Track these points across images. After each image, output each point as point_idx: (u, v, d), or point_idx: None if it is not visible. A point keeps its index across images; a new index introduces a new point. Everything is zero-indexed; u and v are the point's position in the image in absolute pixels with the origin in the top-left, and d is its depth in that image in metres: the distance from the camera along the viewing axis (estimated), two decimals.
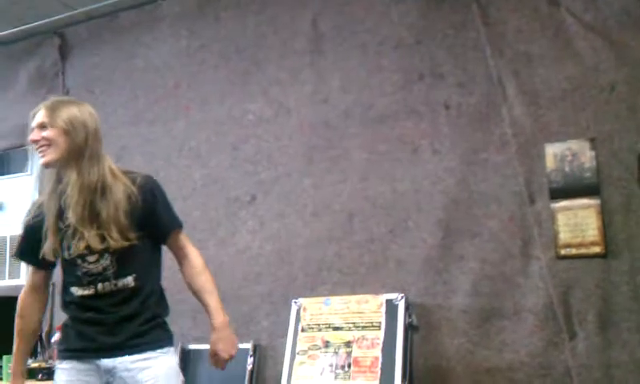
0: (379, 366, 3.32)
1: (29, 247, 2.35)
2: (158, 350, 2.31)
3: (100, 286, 2.26)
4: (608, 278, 3.11)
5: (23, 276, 4.76)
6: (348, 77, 3.95)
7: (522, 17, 3.52)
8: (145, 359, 2.25)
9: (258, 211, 4.07)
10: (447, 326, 3.44)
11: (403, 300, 3.42)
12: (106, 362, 2.24)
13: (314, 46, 4.08)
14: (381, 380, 3.28)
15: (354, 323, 3.50)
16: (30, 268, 2.43)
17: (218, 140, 4.27)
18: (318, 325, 3.61)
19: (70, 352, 2.30)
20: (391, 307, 3.43)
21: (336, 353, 3.47)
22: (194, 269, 2.44)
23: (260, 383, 3.86)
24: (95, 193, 2.21)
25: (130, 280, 2.28)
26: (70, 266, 2.29)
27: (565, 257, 3.25)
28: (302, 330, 3.65)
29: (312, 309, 3.67)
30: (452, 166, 3.58)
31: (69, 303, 2.33)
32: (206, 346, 3.86)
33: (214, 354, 2.40)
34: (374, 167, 3.79)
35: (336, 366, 3.43)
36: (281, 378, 3.56)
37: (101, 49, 4.80)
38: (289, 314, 3.69)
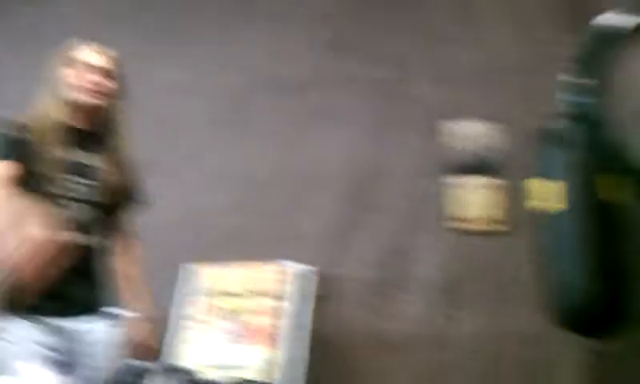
0: (276, 333, 3.26)
1: None
2: None
3: None
4: (504, 254, 3.23)
5: None
6: (259, 43, 3.86)
7: None
8: None
9: (155, 174, 3.88)
10: (344, 296, 3.45)
11: (306, 270, 3.40)
12: None
13: (222, 11, 3.97)
14: (278, 347, 3.23)
15: (250, 291, 3.43)
16: None
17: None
18: (215, 291, 3.50)
19: None
20: (294, 276, 3.39)
21: (230, 320, 3.38)
22: None
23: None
24: None
25: None
26: None
27: (464, 232, 3.35)
28: (198, 296, 3.52)
29: (209, 275, 3.55)
30: (360, 139, 3.60)
31: None
32: None
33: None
34: (278, 136, 3.74)
35: (230, 332, 3.34)
36: (172, 344, 3.42)
37: None
38: (183, 279, 3.56)
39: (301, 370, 3.15)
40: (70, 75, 2.17)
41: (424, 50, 3.56)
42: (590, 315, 2.68)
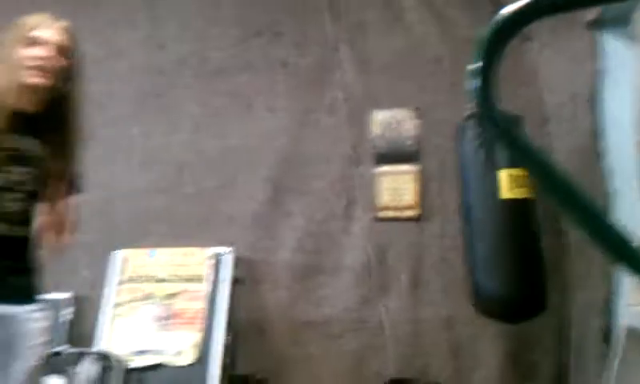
0: (202, 317, 3.32)
1: None
2: None
3: None
4: (421, 240, 3.34)
5: None
6: (185, 25, 3.83)
7: None
8: None
9: (82, 157, 3.84)
10: (271, 281, 3.52)
11: (230, 254, 3.44)
12: None
13: None
14: (203, 331, 3.28)
15: (178, 275, 3.46)
16: None
17: None
18: (141, 276, 3.52)
19: None
20: (218, 261, 3.44)
21: (158, 305, 3.42)
22: None
23: (77, 334, 3.70)
24: None
25: None
26: None
27: (383, 219, 3.45)
28: (124, 282, 3.54)
29: (135, 260, 3.57)
30: (284, 124, 3.63)
31: None
32: None
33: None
34: (206, 120, 3.74)
35: (157, 318, 3.38)
36: (99, 330, 3.44)
37: None
38: (110, 265, 3.56)
39: (222, 354, 3.21)
40: (15, 52, 1.93)
41: (350, 38, 3.59)
42: (504, 304, 2.86)
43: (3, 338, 2.03)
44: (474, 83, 0.96)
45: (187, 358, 3.26)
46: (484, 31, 0.94)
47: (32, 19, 1.98)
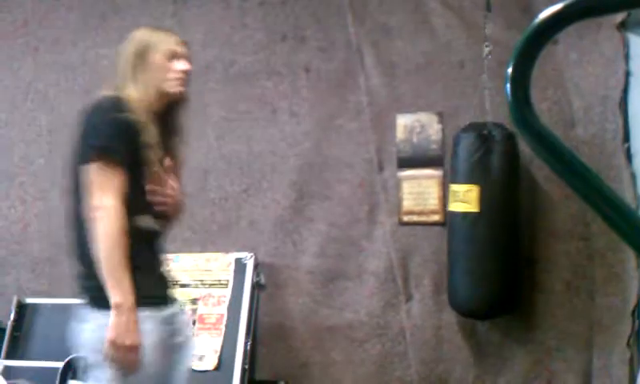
0: (224, 322, 3.32)
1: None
2: None
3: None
4: (444, 244, 3.29)
5: None
6: (210, 31, 3.85)
7: None
8: None
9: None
10: (293, 286, 3.51)
11: (252, 259, 3.44)
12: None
13: None
14: (225, 337, 3.29)
15: (201, 281, 3.48)
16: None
17: (68, 85, 4.03)
18: None
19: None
20: (240, 266, 3.44)
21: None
22: None
23: None
24: None
25: None
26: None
27: (407, 223, 3.41)
28: None
29: None
30: (308, 129, 3.62)
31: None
32: (46, 300, 3.76)
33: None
34: (231, 125, 3.75)
35: None
36: None
37: None
38: None
39: (243, 360, 3.20)
40: (163, 65, 2.12)
41: (374, 42, 3.57)
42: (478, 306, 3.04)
43: (175, 338, 2.11)
44: (510, 87, 0.97)
45: (209, 363, 3.26)
46: (522, 35, 0.97)
47: (168, 34, 2.23)
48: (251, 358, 3.21)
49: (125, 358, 1.87)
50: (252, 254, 3.45)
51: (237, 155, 3.71)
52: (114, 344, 1.86)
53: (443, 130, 3.41)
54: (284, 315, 3.48)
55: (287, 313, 3.47)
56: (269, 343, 3.41)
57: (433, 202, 3.38)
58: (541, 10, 0.96)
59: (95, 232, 1.88)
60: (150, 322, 1.97)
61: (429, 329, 3.33)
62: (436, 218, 3.37)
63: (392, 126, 3.49)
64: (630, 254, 2.91)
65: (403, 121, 3.48)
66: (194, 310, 3.41)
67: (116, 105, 2.00)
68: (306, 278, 3.48)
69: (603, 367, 3.06)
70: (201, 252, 3.56)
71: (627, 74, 2.99)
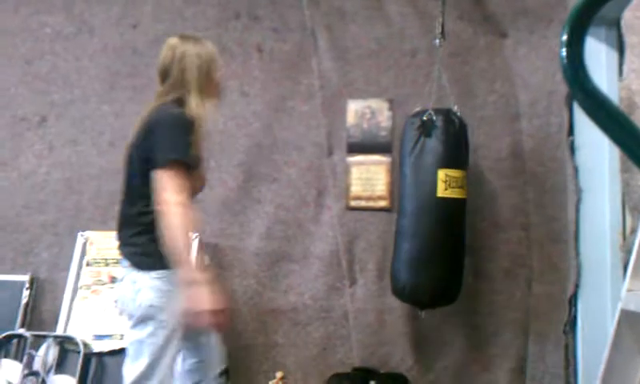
0: None
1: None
2: None
3: None
4: (391, 230, 3.32)
5: None
6: (161, 4, 3.76)
7: None
8: None
9: (48, 135, 3.76)
10: (238, 268, 3.47)
11: (197, 239, 3.37)
12: None
13: None
14: None
15: None
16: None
17: (7, 52, 3.85)
18: (106, 259, 3.45)
19: None
20: None
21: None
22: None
23: (36, 318, 3.60)
24: None
25: None
26: None
27: (354, 208, 3.42)
28: (88, 264, 3.47)
29: (100, 242, 3.49)
30: (258, 110, 3.58)
31: None
32: None
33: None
34: None
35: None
36: (59, 313, 3.36)
37: None
38: (73, 247, 3.48)
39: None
40: (218, 81, 2.39)
41: (328, 26, 3.55)
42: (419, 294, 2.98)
43: None
44: (566, 50, 1.00)
45: None
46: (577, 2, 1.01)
47: (211, 46, 2.40)
48: None
49: (216, 319, 2.07)
50: (197, 234, 3.39)
51: None
52: (202, 312, 2.04)
53: (393, 117, 3.43)
54: (228, 297, 3.43)
55: (231, 294, 3.43)
56: None
57: (380, 187, 3.40)
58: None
59: (171, 223, 2.08)
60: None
61: (371, 312, 3.36)
62: (383, 203, 3.40)
63: (343, 111, 3.49)
64: (568, 244, 3.02)
65: (354, 106, 3.48)
66: None
67: (186, 117, 2.21)
68: (251, 260, 3.45)
69: (538, 352, 3.16)
70: None
71: None
